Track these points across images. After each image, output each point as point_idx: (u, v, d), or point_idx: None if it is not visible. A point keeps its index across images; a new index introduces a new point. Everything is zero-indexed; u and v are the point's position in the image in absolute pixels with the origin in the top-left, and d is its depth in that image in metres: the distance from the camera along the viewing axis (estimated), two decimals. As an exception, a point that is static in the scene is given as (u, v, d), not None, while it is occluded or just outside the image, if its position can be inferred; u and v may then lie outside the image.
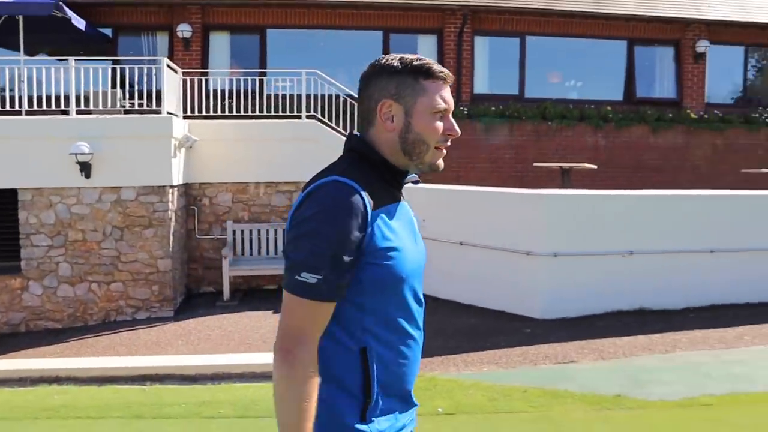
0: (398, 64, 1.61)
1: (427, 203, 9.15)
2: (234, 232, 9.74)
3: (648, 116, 12.17)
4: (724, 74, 13.16)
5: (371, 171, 1.61)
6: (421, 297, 1.71)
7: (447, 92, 1.65)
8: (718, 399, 5.15)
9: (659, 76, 12.89)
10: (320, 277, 1.49)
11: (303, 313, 1.51)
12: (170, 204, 8.80)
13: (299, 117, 10.01)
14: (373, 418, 1.61)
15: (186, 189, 9.72)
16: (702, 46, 12.47)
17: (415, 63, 1.61)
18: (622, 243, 7.91)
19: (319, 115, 10.06)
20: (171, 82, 9.34)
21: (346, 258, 1.50)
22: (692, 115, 12.36)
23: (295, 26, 11.74)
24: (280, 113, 10.46)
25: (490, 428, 4.57)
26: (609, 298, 7.93)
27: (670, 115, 12.33)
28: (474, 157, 11.59)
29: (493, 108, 11.77)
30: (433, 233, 8.88)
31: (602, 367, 6.26)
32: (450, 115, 1.66)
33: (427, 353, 6.82)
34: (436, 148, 1.64)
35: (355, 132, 1.72)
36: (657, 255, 8.00)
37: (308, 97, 10.18)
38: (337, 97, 10.23)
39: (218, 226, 9.84)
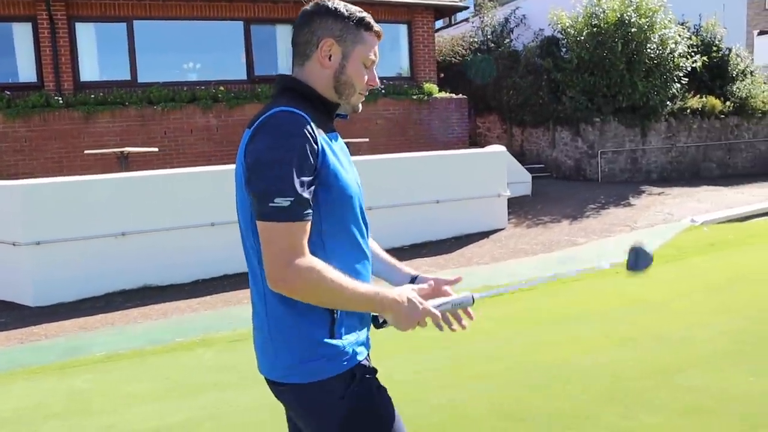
0: (345, 11, 1.76)
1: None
2: None
3: (261, 94, 12.54)
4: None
5: (309, 105, 1.72)
6: (366, 219, 1.85)
7: (377, 47, 1.83)
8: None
9: (279, 53, 13.30)
10: (292, 198, 1.57)
11: (285, 237, 1.59)
12: None
13: None
14: (340, 334, 1.73)
15: None
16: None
17: (358, 14, 1.78)
18: (114, 225, 8.08)
19: None
20: None
21: (307, 179, 1.61)
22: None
23: None
24: None
25: None
26: (107, 279, 8.09)
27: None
28: (77, 146, 11.44)
29: (93, 96, 11.66)
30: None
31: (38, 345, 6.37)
32: (374, 68, 1.84)
33: None
34: (359, 93, 1.82)
35: (285, 73, 1.84)
36: (155, 233, 8.26)
37: None
38: None
39: None
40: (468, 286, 6.62)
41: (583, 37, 13.87)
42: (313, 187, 1.64)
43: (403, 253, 9.14)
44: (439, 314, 1.83)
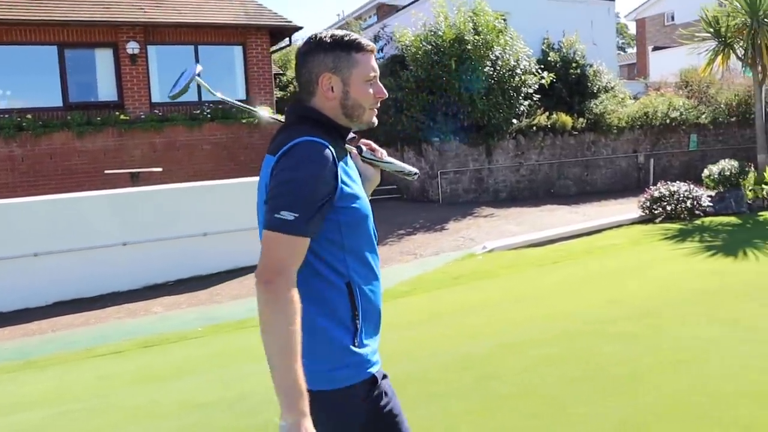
0: (331, 40, 1.81)
1: None
2: None
3: (72, 121, 12.06)
4: (174, 72, 13.33)
5: (326, 132, 1.79)
6: (376, 234, 1.95)
7: (374, 61, 1.89)
8: None
9: (100, 79, 12.85)
10: (297, 215, 1.66)
11: (282, 248, 1.66)
12: None
13: None
14: (361, 342, 1.83)
15: None
16: (131, 48, 12.56)
17: (345, 39, 1.83)
18: None
19: None
20: None
21: (319, 201, 1.68)
22: (123, 117, 12.43)
23: None
24: None
25: None
26: None
27: (99, 118, 12.30)
28: None
29: None
30: None
31: None
32: (377, 81, 1.89)
33: None
34: (369, 109, 1.88)
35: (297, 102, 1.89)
36: None
37: None
38: None
39: None
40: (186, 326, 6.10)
41: (420, 55, 13.61)
42: (324, 211, 1.72)
43: (161, 289, 8.72)
44: None
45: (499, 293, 7.21)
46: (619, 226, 11.32)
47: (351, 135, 1.96)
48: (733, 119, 17.01)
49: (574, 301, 6.59)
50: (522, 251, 9.48)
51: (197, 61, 13.40)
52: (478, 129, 13.95)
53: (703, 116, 16.78)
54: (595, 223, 11.33)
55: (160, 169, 11.12)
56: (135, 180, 10.56)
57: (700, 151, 16.70)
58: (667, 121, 16.20)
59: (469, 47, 13.28)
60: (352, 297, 1.83)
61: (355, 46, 1.85)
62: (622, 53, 47.08)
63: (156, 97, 13.02)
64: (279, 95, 21.18)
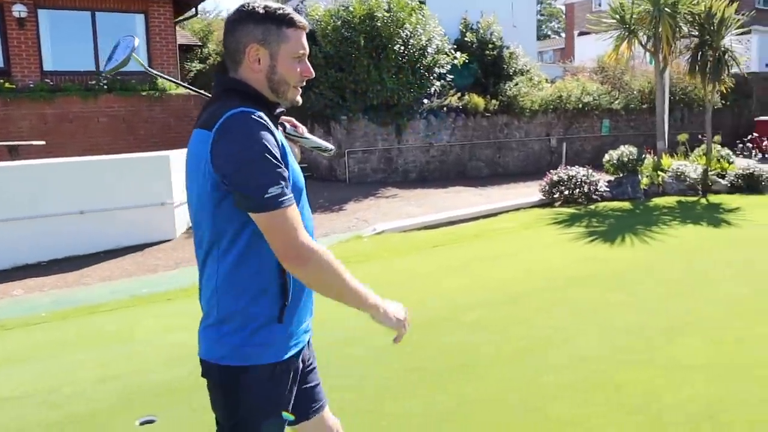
0: (263, 12, 1.79)
1: None
2: None
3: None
4: (68, 40, 12.71)
5: (254, 104, 1.77)
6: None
7: (304, 39, 1.87)
8: None
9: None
10: (282, 186, 1.68)
11: (288, 223, 1.70)
12: None
13: None
14: (287, 319, 1.86)
15: None
16: (18, 10, 11.84)
17: (278, 12, 1.80)
18: None
19: None
20: None
21: (282, 165, 1.71)
22: (9, 85, 11.75)
23: None
24: None
25: None
26: None
27: (-19, 86, 11.62)
28: None
29: None
30: None
31: None
32: (306, 59, 1.88)
33: None
34: (294, 87, 1.88)
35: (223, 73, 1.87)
36: None
37: None
38: None
39: None
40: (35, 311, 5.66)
41: (329, 31, 13.31)
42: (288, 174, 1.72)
43: (30, 270, 8.28)
44: (403, 328, 2.05)
45: (369, 278, 7.01)
46: (518, 209, 11.36)
47: (281, 109, 1.93)
48: (645, 106, 17.32)
49: (440, 287, 6.52)
50: (410, 234, 9.38)
51: (94, 28, 12.78)
52: (388, 108, 13.77)
53: (616, 102, 17.04)
54: (495, 205, 11.33)
55: (42, 143, 10.54)
56: (14, 154, 9.95)
57: (612, 136, 16.97)
58: (580, 105, 16.37)
59: (379, 24, 13.04)
60: (282, 275, 1.83)
61: (287, 21, 1.83)
62: (557, 37, 47.69)
63: (48, 65, 12.35)
64: (198, 68, 20.56)
